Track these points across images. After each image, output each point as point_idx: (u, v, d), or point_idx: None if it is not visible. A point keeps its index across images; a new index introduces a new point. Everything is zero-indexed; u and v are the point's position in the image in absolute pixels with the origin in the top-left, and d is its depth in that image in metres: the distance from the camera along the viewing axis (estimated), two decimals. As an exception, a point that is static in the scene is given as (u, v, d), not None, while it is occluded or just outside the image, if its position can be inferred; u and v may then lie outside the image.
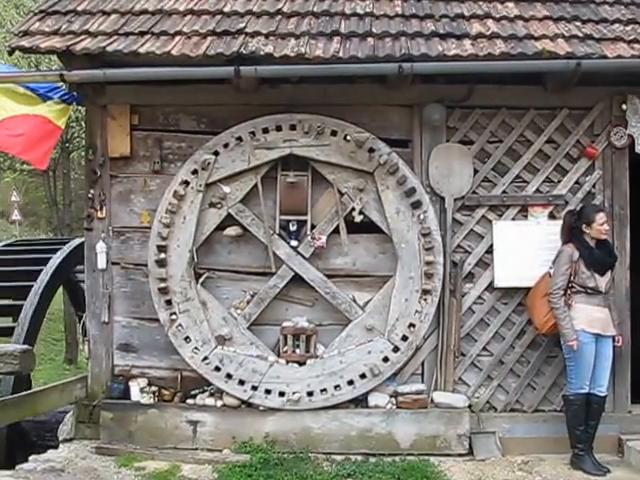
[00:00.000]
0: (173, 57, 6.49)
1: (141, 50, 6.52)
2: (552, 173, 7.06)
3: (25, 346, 6.48)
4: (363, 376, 6.87)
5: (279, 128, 6.90)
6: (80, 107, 7.95)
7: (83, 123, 16.60)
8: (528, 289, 6.89)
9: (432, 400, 6.90)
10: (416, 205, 6.89)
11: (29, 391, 7.76)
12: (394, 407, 6.87)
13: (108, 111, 7.15)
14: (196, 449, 6.83)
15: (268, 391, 6.85)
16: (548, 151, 7.06)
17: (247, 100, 6.97)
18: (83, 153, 18.78)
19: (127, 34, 6.77)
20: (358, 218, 6.95)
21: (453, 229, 7.02)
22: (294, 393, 6.81)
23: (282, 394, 6.83)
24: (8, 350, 5.99)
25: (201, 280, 7.06)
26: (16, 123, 6.89)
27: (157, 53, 6.50)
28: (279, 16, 7.04)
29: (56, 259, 9.81)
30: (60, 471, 6.28)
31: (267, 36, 6.70)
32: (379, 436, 6.78)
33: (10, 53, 7.11)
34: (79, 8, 7.18)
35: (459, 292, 6.99)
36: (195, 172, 6.94)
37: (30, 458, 6.70)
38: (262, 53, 6.46)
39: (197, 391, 7.05)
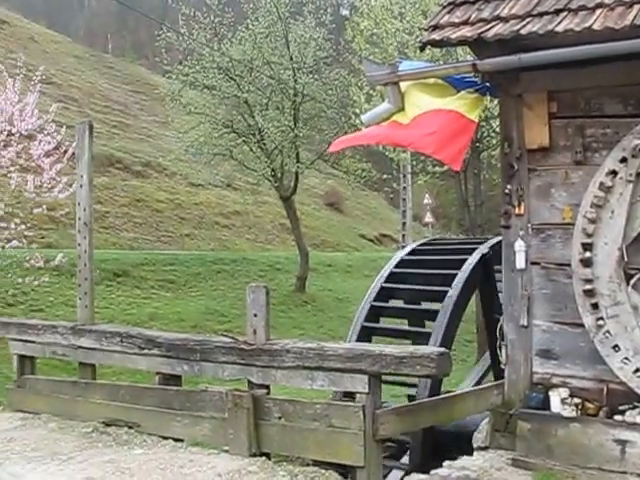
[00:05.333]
0: (594, 32, 6.08)
1: (558, 29, 6.22)
2: None
3: (442, 349, 6.46)
4: None
5: None
6: (488, 106, 7.79)
7: (492, 122, 16.78)
8: None
9: None
10: None
11: (445, 395, 7.71)
12: None
13: (523, 100, 6.95)
14: (624, 472, 6.27)
15: None
16: None
17: (679, 76, 6.26)
18: (493, 153, 19.15)
19: (541, 14, 6.55)
20: None
21: None
22: None
23: None
24: (425, 352, 6.12)
25: (632, 282, 6.45)
26: (428, 120, 6.85)
27: (576, 30, 6.15)
28: None
29: (473, 259, 9.69)
30: (475, 480, 6.22)
31: None
32: None
33: (422, 49, 7.46)
34: (488, -5, 7.11)
35: None
36: (624, 160, 6.38)
37: (444, 464, 6.70)
38: None
39: (626, 407, 6.47)
